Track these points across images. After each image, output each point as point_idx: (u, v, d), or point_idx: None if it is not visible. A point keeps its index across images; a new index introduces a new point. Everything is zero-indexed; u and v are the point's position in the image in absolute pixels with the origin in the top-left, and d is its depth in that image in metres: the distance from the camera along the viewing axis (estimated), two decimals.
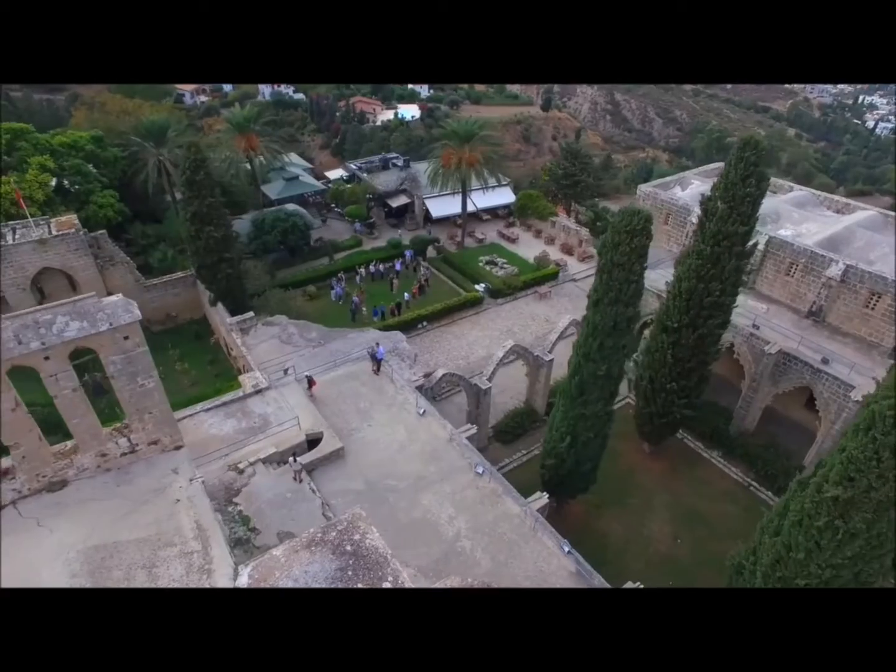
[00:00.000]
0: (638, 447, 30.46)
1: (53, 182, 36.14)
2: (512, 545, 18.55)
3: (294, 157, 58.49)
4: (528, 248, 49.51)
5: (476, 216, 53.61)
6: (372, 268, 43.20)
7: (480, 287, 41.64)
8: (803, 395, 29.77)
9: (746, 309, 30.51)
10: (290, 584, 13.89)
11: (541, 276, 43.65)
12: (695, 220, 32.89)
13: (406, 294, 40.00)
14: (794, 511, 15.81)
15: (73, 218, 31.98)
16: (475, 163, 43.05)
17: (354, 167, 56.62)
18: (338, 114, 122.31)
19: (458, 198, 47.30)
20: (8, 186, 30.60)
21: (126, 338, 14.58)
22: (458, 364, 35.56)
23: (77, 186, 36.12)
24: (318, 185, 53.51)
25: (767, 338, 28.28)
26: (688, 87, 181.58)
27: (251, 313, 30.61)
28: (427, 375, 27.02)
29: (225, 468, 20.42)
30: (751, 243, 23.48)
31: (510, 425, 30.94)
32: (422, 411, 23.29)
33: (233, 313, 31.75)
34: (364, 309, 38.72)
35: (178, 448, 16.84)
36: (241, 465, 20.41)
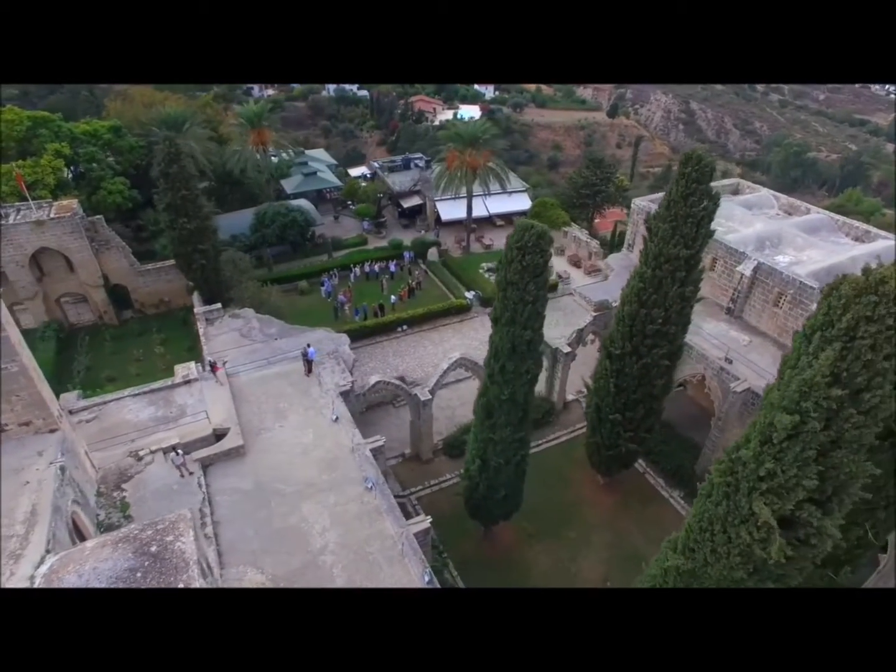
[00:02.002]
0: (592, 477, 28.63)
1: (71, 168, 38.76)
2: (374, 566, 17.82)
3: (320, 153, 59.70)
4: None
5: (490, 221, 52.64)
6: (367, 267, 43.25)
7: (470, 294, 40.67)
8: None
9: (727, 340, 28.01)
10: (74, 580, 13.88)
11: None
12: None
13: (392, 296, 39.75)
14: (649, 576, 14.19)
15: (72, 202, 34.04)
16: (477, 167, 42.05)
17: (377, 165, 57.00)
18: (397, 111, 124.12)
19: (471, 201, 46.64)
20: (12, 172, 32.94)
21: None
22: (427, 371, 34.85)
23: (91, 173, 38.46)
24: (336, 181, 54.24)
25: (738, 374, 25.73)
26: (774, 97, 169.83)
27: (219, 304, 31.36)
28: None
29: (126, 454, 20.97)
30: (699, 268, 21.31)
31: (460, 439, 29.88)
32: (334, 417, 22.93)
33: (208, 302, 32.74)
34: (347, 308, 38.84)
35: (52, 431, 17.39)
36: (141, 453, 20.88)
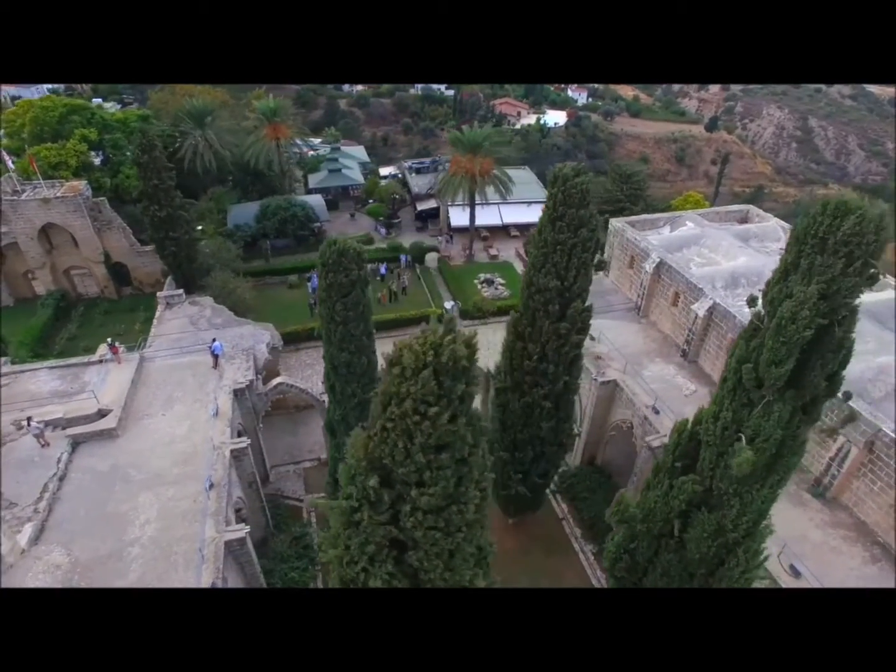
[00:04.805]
0: (503, 515, 26.61)
1: (99, 153, 42.36)
2: (170, 568, 17.62)
3: (357, 151, 60.60)
4: None
5: (505, 231, 50.80)
6: None
7: (449, 305, 39.39)
8: None
9: (669, 386, 24.89)
10: None
11: None
12: (648, 267, 27.86)
13: None
14: None
15: (80, 184, 37.14)
16: (475, 173, 40.58)
17: (406, 165, 56.93)
18: (479, 112, 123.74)
19: (485, 208, 45.48)
20: (38, 153, 36.54)
21: None
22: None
23: (114, 158, 41.82)
24: (360, 179, 54.86)
25: (661, 427, 22.70)
26: None
27: (181, 290, 32.80)
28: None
29: (11, 422, 22.43)
30: (584, 307, 18.84)
31: None
32: (213, 413, 23.07)
33: (182, 287, 34.38)
34: None
35: None
36: (23, 422, 22.24)
